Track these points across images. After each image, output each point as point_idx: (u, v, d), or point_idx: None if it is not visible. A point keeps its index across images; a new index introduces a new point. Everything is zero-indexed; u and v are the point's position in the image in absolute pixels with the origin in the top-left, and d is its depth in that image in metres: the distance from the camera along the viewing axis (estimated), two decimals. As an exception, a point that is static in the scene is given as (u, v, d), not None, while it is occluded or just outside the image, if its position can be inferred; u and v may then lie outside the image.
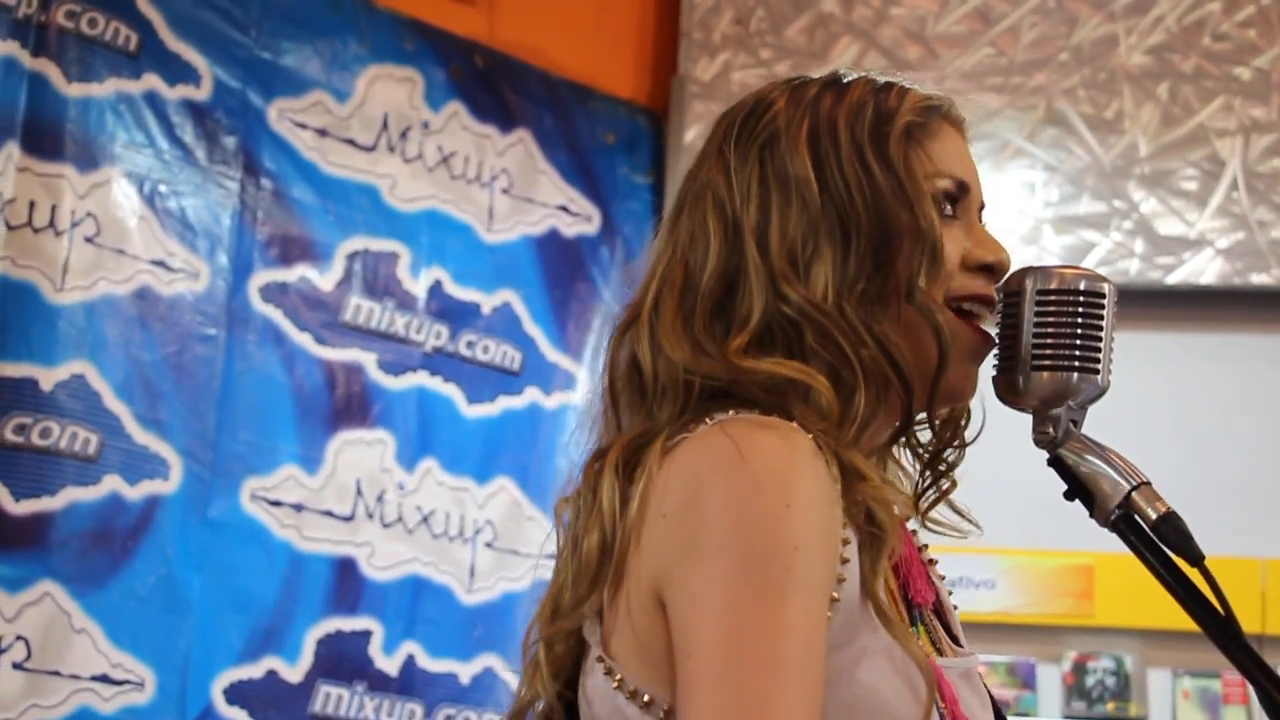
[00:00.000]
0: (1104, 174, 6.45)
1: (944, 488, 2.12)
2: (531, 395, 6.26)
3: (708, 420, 1.86)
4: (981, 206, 2.07)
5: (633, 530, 1.84)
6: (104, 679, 5.09)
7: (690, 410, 1.92)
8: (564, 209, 6.43)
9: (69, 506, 5.10)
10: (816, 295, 1.90)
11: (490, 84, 6.26)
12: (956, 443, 2.11)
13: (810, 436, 1.82)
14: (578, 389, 6.38)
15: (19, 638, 4.96)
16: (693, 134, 6.55)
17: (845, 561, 1.79)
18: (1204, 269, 6.40)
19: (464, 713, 6.03)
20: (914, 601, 1.97)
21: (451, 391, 6.11)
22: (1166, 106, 6.46)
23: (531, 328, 6.32)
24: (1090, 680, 6.15)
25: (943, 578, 2.14)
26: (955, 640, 2.06)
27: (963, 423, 2.12)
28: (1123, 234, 6.54)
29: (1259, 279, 6.40)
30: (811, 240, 1.92)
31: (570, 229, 6.42)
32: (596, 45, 6.62)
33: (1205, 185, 6.45)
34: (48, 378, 5.11)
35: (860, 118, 1.98)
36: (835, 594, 1.76)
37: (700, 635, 1.73)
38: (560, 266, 6.48)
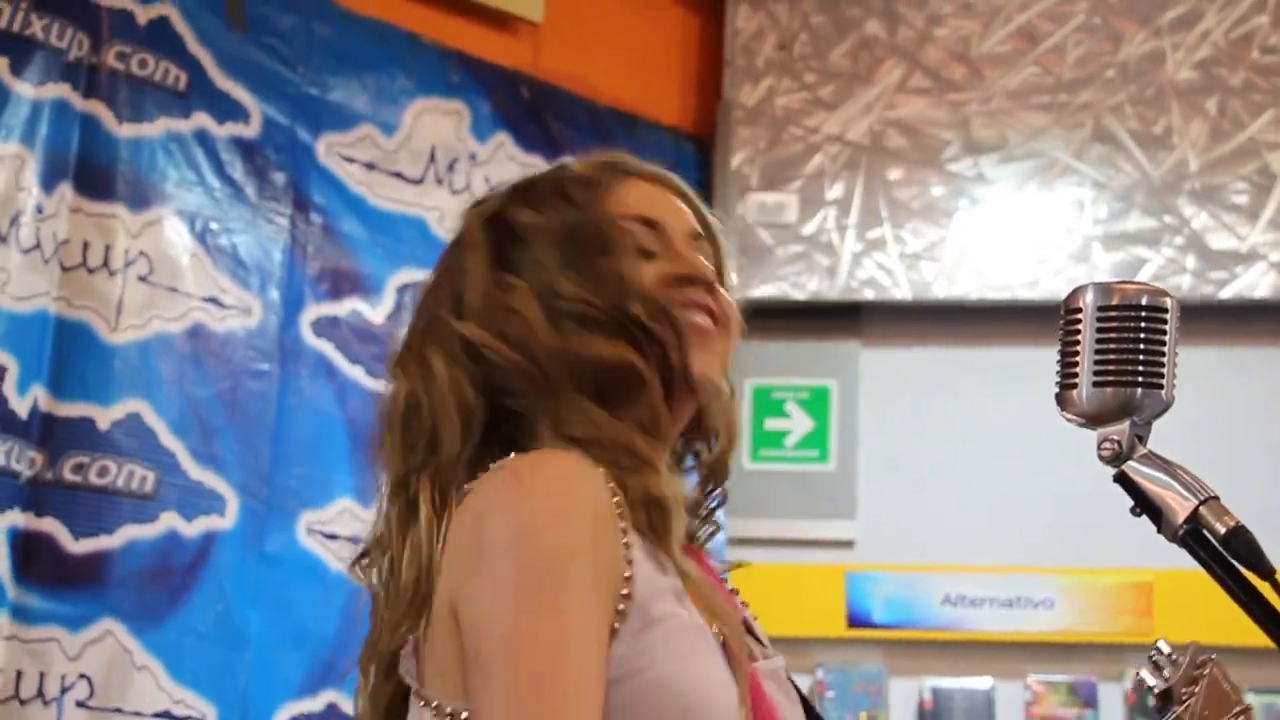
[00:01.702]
0: (1154, 190, 6.45)
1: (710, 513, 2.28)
2: None
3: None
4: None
5: (440, 562, 1.95)
6: (166, 715, 5.11)
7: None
8: None
9: (127, 545, 5.14)
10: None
11: (536, 114, 6.27)
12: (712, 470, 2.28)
13: (588, 459, 1.95)
14: None
15: (82, 676, 4.99)
16: (739, 159, 6.60)
17: (630, 562, 1.89)
18: (1257, 283, 6.39)
19: None
20: None
21: None
22: (1215, 121, 6.45)
23: None
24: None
25: (745, 604, 2.21)
26: (763, 646, 2.14)
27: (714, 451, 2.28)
28: (1174, 249, 6.53)
29: None
30: None
31: None
32: (641, 73, 6.64)
33: (1256, 199, 6.44)
34: (104, 417, 5.13)
35: None
36: (625, 591, 1.86)
37: (485, 636, 1.82)
38: None
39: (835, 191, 6.75)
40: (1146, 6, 6.56)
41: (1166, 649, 2.10)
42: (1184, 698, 2.08)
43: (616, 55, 6.60)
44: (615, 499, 1.93)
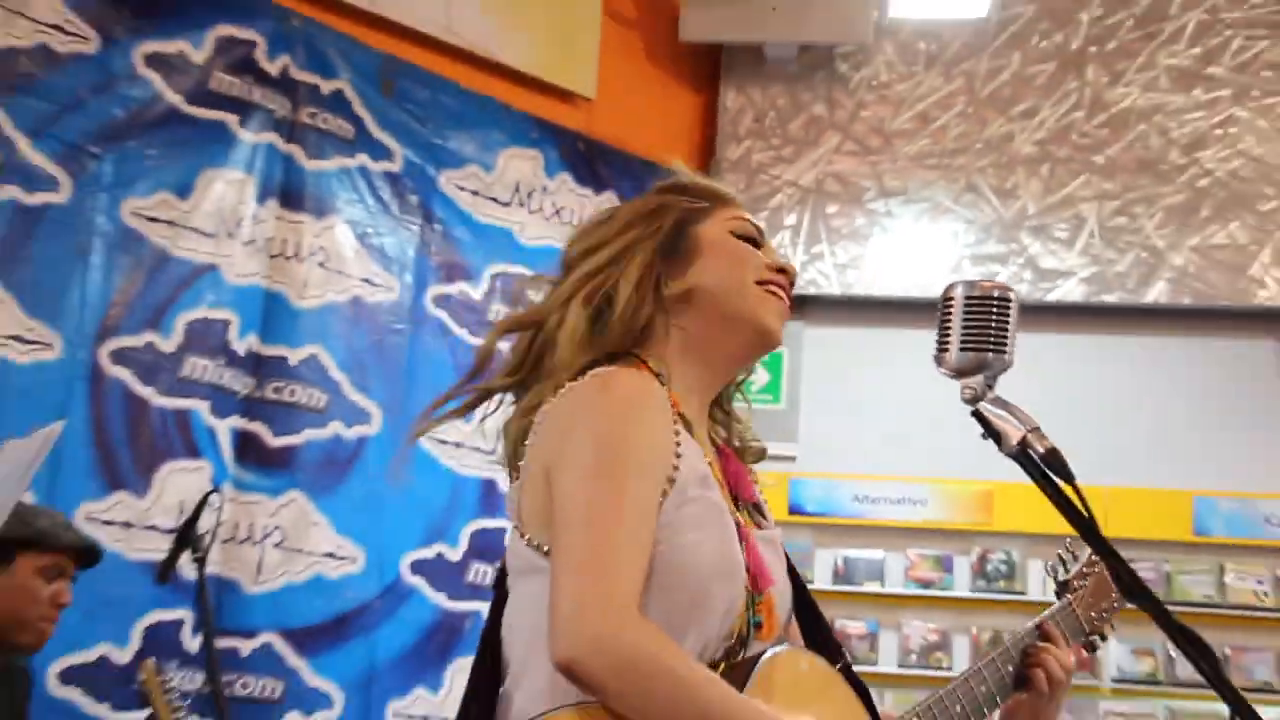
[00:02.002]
0: (1004, 226, 6.64)
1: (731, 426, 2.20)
2: None
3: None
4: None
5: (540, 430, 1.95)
6: (330, 555, 5.53)
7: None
8: None
9: (307, 442, 5.55)
10: None
11: (588, 160, 6.46)
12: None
13: (655, 376, 1.98)
14: None
15: (276, 527, 5.42)
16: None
17: (678, 456, 1.92)
18: (1072, 291, 6.58)
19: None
20: (739, 495, 2.07)
21: None
22: (1046, 181, 6.64)
23: None
24: (989, 568, 6.38)
25: (759, 488, 2.16)
26: (765, 519, 2.12)
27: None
28: (1017, 266, 6.66)
29: (1109, 299, 6.56)
30: None
31: None
32: (660, 135, 6.71)
33: (1072, 234, 6.62)
34: (294, 356, 5.55)
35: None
36: (671, 476, 1.88)
37: (567, 499, 1.84)
38: None
39: (790, 220, 6.88)
40: (1002, 102, 6.70)
41: (1070, 552, 2.35)
42: (1077, 588, 2.42)
43: (643, 122, 6.69)
44: (671, 406, 1.95)
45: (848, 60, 6.85)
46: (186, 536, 4.05)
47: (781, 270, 2.10)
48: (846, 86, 6.84)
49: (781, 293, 2.10)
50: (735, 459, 2.13)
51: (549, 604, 1.77)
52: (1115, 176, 6.60)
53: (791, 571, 2.13)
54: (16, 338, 4.90)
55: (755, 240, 2.13)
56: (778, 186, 6.84)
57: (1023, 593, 6.40)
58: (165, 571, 4.19)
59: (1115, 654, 6.25)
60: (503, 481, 5.65)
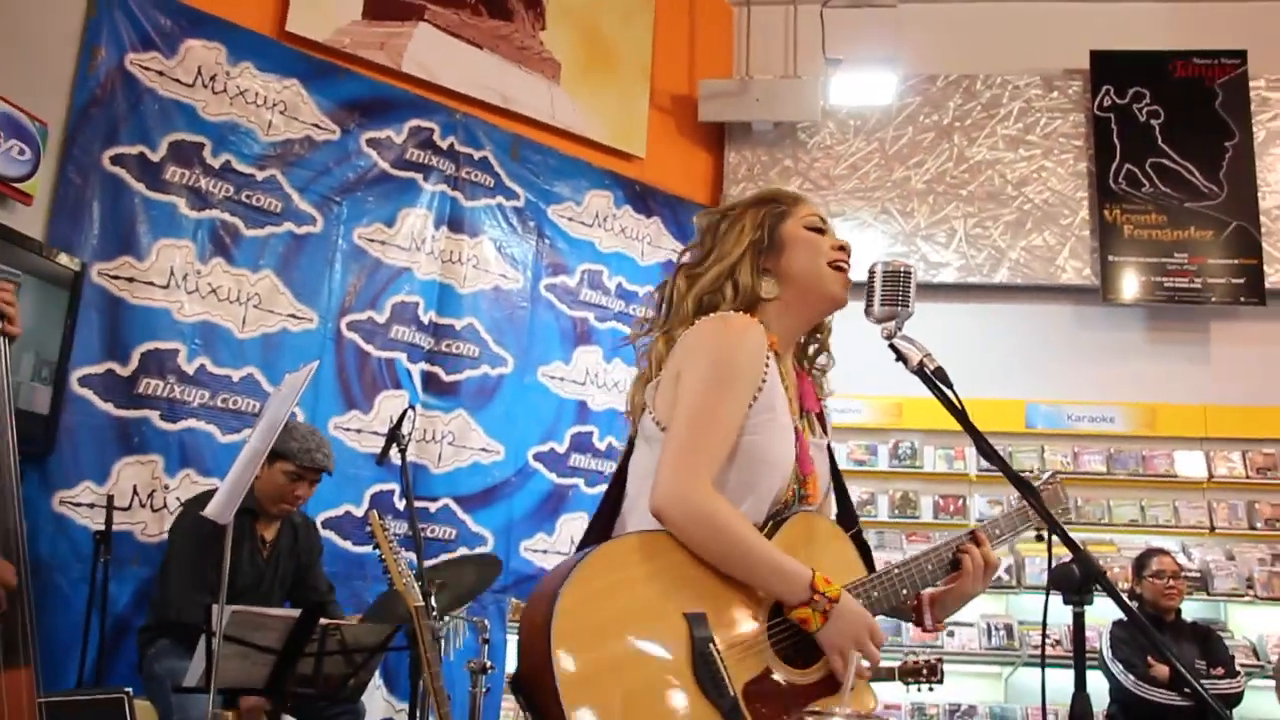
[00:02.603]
0: (906, 235, 6.53)
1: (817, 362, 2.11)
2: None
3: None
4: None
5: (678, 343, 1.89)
6: (483, 450, 5.55)
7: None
8: (673, 250, 6.27)
9: (467, 378, 5.54)
10: None
11: (642, 197, 6.38)
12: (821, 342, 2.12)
13: (757, 320, 1.89)
14: None
15: (449, 432, 5.45)
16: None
17: (765, 380, 1.85)
18: (949, 275, 6.48)
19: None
20: (804, 407, 2.00)
21: (615, 327, 6.04)
22: (931, 206, 6.55)
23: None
24: (900, 451, 6.30)
25: (823, 405, 2.08)
26: (826, 432, 2.06)
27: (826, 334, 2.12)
28: (914, 260, 5.80)
29: (972, 280, 6.48)
30: None
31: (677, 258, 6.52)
32: (686, 180, 6.62)
33: (948, 239, 6.54)
34: (458, 324, 5.54)
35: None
36: (757, 393, 1.83)
37: (685, 396, 1.79)
38: None
39: None
40: (902, 156, 6.61)
41: (1037, 469, 2.43)
42: (1042, 492, 2.23)
43: (675, 172, 6.60)
44: (768, 343, 1.88)
45: (805, 131, 6.79)
46: (394, 436, 4.11)
47: (841, 248, 2.03)
48: (805, 148, 6.78)
49: (845, 265, 2.02)
50: (808, 380, 2.06)
51: (658, 466, 1.75)
52: (974, 203, 6.57)
53: (833, 465, 2.06)
54: (292, 315, 5.03)
55: (821, 228, 2.04)
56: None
57: (921, 467, 6.34)
58: (381, 459, 4.28)
59: (978, 504, 6.25)
60: (591, 403, 5.67)
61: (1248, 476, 6.11)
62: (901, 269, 1.90)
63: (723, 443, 1.77)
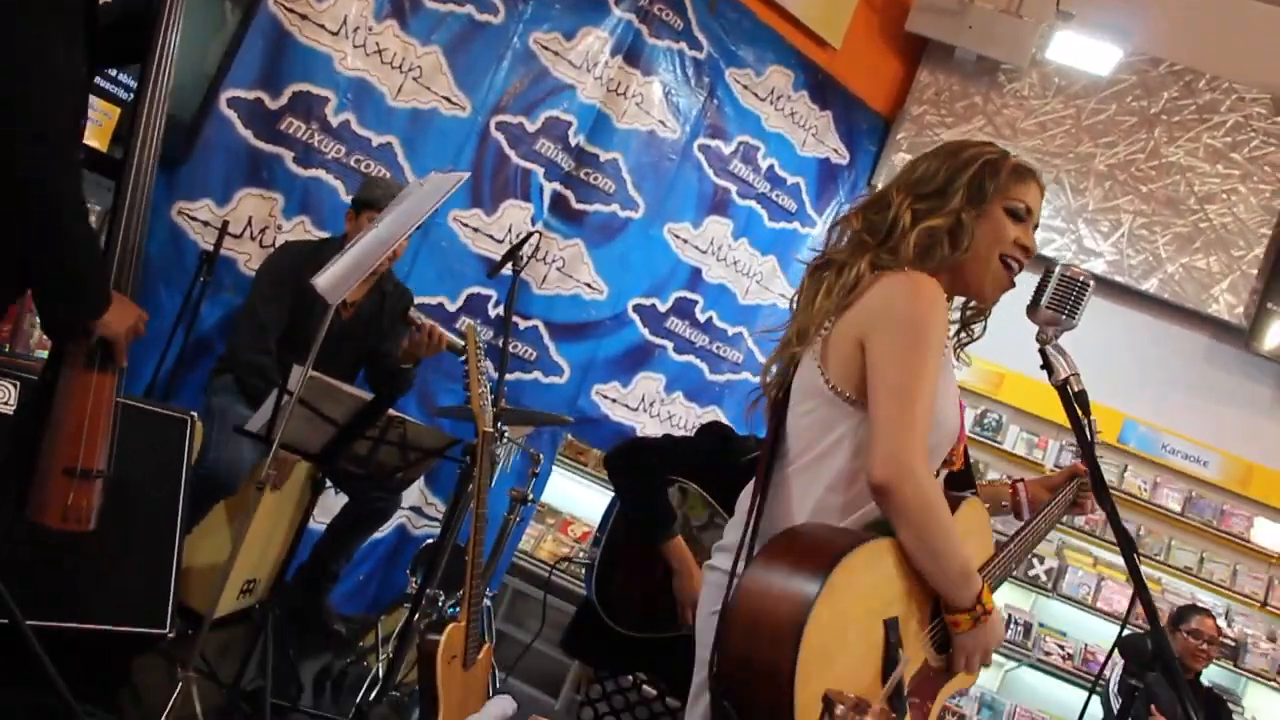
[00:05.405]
0: (1069, 213, 6.13)
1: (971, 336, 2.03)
2: (798, 227, 6.07)
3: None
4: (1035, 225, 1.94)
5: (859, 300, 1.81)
6: (588, 285, 5.41)
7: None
8: (835, 150, 6.21)
9: (595, 211, 5.36)
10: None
11: (820, 88, 6.06)
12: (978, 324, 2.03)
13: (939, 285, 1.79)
14: (817, 228, 6.15)
15: (561, 257, 5.26)
16: (901, 135, 6.37)
17: (947, 347, 1.81)
18: (1096, 266, 6.11)
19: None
20: None
21: (754, 207, 5.96)
22: (1105, 192, 6.10)
23: (807, 195, 6.14)
24: (986, 421, 6.07)
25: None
26: None
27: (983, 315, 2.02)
28: (1065, 242, 6.19)
29: (1119, 279, 6.11)
30: None
31: (836, 160, 6.21)
32: (871, 84, 6.30)
33: (1111, 230, 6.16)
34: (604, 155, 5.33)
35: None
36: (941, 357, 1.75)
37: (884, 368, 1.70)
38: (828, 176, 6.21)
39: None
40: (1095, 132, 6.07)
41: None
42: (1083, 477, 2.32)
43: (864, 73, 6.27)
44: (947, 307, 1.82)
45: (1006, 74, 6.35)
46: (513, 254, 3.99)
47: (1024, 249, 1.90)
48: (1001, 91, 6.35)
49: (1016, 266, 1.91)
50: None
51: (869, 440, 1.68)
52: (1150, 203, 6.12)
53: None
54: (447, 98, 4.84)
55: (1022, 216, 1.90)
56: (935, 139, 6.30)
57: (1001, 443, 6.11)
58: (493, 273, 4.20)
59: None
60: (706, 273, 5.50)
61: (1320, 566, 5.78)
62: (1081, 279, 1.83)
63: (929, 414, 1.71)
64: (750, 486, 1.89)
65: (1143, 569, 5.71)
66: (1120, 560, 5.74)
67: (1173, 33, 6.34)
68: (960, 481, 2.02)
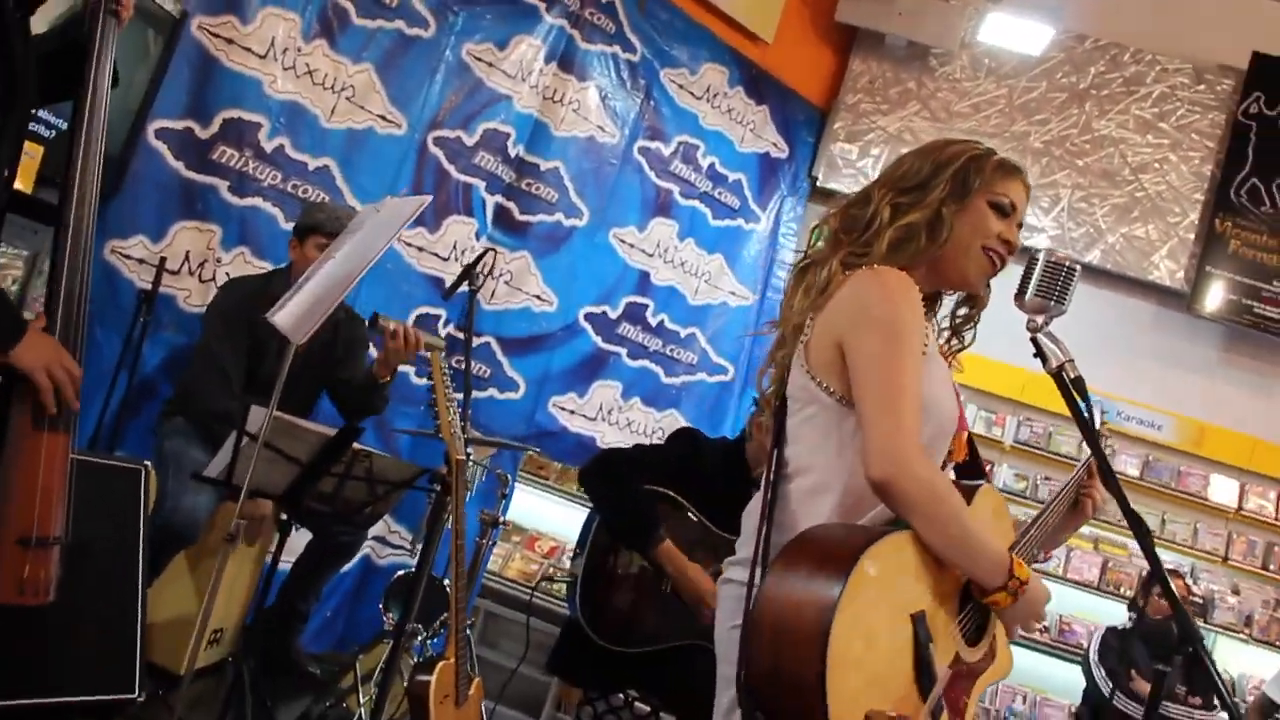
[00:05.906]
0: None
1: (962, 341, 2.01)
2: (742, 223, 6.00)
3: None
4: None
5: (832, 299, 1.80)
6: (538, 297, 5.31)
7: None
8: (774, 144, 6.16)
9: (540, 221, 5.25)
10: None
11: (755, 82, 5.99)
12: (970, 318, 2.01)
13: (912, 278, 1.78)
14: (761, 223, 6.12)
15: (508, 271, 5.18)
16: (838, 124, 6.31)
17: (928, 337, 1.78)
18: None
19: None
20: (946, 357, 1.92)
21: (697, 206, 5.87)
22: (1042, 169, 6.13)
23: (749, 191, 6.08)
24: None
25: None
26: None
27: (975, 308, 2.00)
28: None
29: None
30: None
31: (775, 154, 6.15)
32: (805, 76, 6.25)
33: (1050, 206, 6.24)
34: (544, 164, 5.23)
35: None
36: (924, 351, 1.73)
37: (865, 368, 1.69)
38: (769, 170, 6.14)
39: (875, 151, 6.29)
40: (1027, 110, 6.13)
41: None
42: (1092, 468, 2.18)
43: (797, 66, 6.22)
44: (921, 297, 1.78)
45: (937, 58, 6.34)
46: (468, 273, 3.83)
47: (1006, 243, 1.89)
48: (933, 75, 6.34)
49: (998, 260, 1.89)
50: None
51: (863, 439, 1.66)
52: (1087, 176, 6.15)
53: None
54: (382, 116, 4.72)
55: (1006, 210, 1.89)
56: (872, 127, 6.35)
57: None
58: (449, 293, 4.01)
59: (1006, 474, 5.98)
60: (654, 276, 5.44)
61: (1276, 518, 5.84)
62: (1066, 264, 1.82)
63: (917, 402, 1.68)
64: (758, 497, 1.84)
65: (1108, 535, 5.81)
66: (1087, 529, 5.75)
67: (1097, 6, 6.37)
68: (969, 472, 1.98)
